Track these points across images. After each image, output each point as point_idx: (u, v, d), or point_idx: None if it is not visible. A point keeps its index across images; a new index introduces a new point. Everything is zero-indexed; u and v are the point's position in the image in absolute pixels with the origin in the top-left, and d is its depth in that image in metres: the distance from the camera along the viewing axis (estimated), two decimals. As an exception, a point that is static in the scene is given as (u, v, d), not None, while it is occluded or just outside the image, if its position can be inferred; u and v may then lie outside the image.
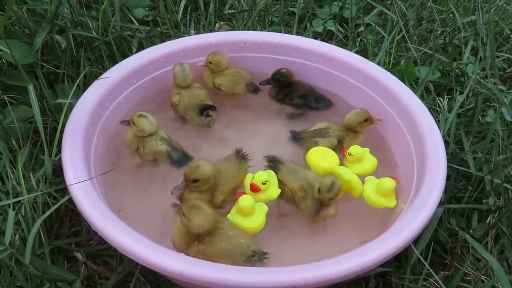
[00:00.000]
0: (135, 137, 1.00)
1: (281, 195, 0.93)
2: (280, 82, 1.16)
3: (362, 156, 0.99)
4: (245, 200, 0.87)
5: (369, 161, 1.00)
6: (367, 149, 1.01)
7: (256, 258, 0.81)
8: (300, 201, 0.92)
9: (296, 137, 1.07)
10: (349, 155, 0.99)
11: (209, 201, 0.90)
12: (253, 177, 0.91)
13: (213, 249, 0.82)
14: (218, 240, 0.82)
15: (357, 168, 0.99)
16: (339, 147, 1.05)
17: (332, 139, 1.04)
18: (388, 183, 0.92)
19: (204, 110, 1.07)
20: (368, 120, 1.05)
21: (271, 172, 0.94)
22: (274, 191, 0.92)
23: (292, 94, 1.16)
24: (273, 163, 0.95)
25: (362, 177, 0.97)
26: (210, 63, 1.14)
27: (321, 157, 1.00)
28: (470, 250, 0.90)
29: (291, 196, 0.93)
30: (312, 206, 0.90)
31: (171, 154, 0.99)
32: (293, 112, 1.17)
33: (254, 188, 0.90)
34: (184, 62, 1.14)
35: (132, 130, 1.00)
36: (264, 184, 0.91)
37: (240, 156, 0.95)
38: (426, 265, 0.80)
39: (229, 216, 0.88)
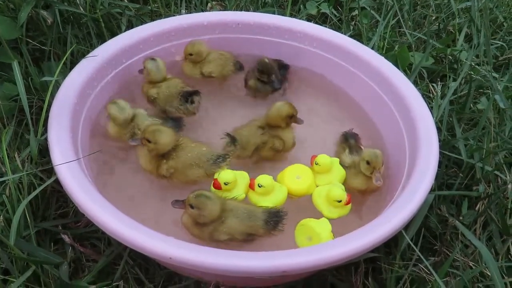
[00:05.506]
0: (118, 127, 0.96)
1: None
2: (265, 73, 1.10)
3: (330, 167, 0.92)
4: (264, 179, 0.87)
5: (338, 172, 0.93)
6: (337, 160, 0.95)
7: (220, 159, 0.90)
8: None
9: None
10: (316, 164, 0.92)
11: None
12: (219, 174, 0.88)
13: (182, 161, 0.90)
14: (183, 153, 0.91)
15: (323, 179, 0.92)
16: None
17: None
18: (336, 194, 0.86)
19: (189, 96, 1.02)
20: (289, 116, 0.96)
21: (245, 174, 0.90)
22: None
23: (270, 77, 1.11)
24: None
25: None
26: (191, 54, 1.09)
27: (294, 178, 0.91)
28: (459, 236, 0.91)
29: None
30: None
31: (166, 125, 0.95)
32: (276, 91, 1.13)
33: (216, 185, 0.87)
34: (175, 42, 1.12)
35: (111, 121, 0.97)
36: (226, 185, 0.86)
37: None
38: (417, 250, 0.80)
39: (250, 198, 0.88)
